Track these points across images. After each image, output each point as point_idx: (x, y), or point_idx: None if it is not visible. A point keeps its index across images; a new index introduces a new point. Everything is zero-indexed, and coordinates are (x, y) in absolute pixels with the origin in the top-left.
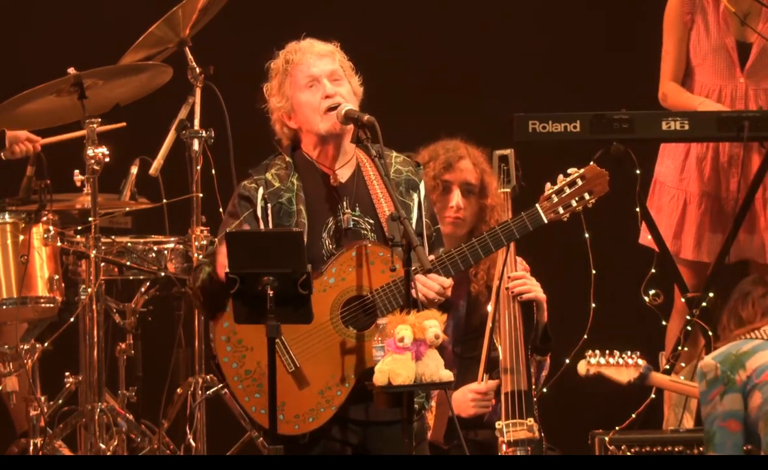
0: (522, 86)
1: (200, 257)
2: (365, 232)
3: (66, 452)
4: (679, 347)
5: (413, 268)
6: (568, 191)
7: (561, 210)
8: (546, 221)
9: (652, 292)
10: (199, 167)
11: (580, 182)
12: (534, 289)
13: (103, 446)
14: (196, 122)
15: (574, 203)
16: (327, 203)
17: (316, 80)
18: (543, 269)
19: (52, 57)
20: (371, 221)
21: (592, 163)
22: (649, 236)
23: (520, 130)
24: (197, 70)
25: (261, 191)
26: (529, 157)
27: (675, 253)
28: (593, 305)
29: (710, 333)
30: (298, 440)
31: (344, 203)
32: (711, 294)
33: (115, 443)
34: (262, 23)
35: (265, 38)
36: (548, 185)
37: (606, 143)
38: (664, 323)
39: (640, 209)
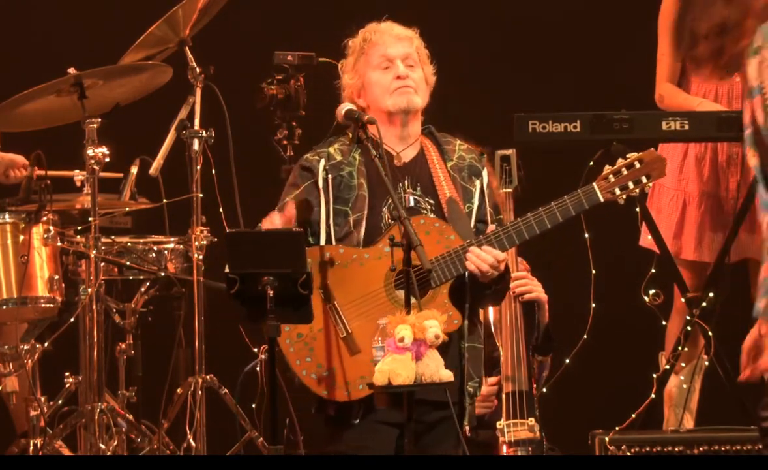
0: (522, 86)
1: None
2: (425, 211)
3: (66, 452)
4: (679, 348)
5: (467, 242)
6: (625, 172)
7: (617, 191)
8: (602, 199)
9: (652, 292)
10: (199, 167)
11: (638, 165)
12: (535, 289)
13: (103, 446)
14: (196, 121)
15: (631, 185)
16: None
17: (390, 61)
18: (543, 269)
19: (52, 57)
20: (431, 202)
21: (652, 149)
22: (649, 237)
23: (520, 130)
24: (197, 70)
25: (323, 162)
26: (529, 156)
27: (675, 253)
28: (593, 305)
29: (710, 333)
30: (351, 418)
31: (406, 182)
32: (711, 294)
33: (115, 443)
34: (262, 23)
35: (265, 38)
36: (607, 166)
37: (606, 143)
38: (664, 323)
39: (640, 210)
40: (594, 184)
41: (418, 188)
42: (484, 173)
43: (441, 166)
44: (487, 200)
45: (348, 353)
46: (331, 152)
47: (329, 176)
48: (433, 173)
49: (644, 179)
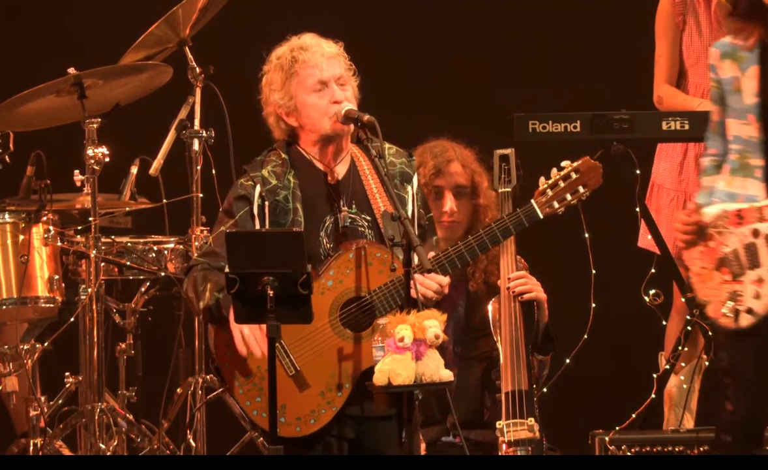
0: (522, 86)
1: (197, 256)
2: (362, 229)
3: (66, 452)
4: (679, 348)
5: (412, 267)
6: (562, 184)
7: (556, 204)
8: (541, 216)
9: (652, 292)
10: (199, 167)
11: (574, 176)
12: (535, 288)
13: (103, 446)
14: (196, 121)
15: (568, 197)
16: (324, 201)
17: (325, 84)
18: (543, 269)
19: (52, 57)
20: (368, 218)
21: (586, 157)
22: (649, 237)
23: (520, 130)
24: (197, 70)
25: (258, 188)
26: (529, 156)
27: (675, 254)
28: (593, 305)
29: (710, 333)
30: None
31: (341, 201)
32: None
33: (115, 443)
34: (262, 23)
35: (265, 38)
36: (542, 179)
37: (606, 143)
38: (664, 323)
39: (640, 209)
40: (532, 201)
41: (354, 206)
42: (415, 177)
43: (373, 177)
44: (420, 203)
45: (297, 390)
46: (266, 176)
47: (265, 202)
48: (366, 187)
49: (581, 189)
